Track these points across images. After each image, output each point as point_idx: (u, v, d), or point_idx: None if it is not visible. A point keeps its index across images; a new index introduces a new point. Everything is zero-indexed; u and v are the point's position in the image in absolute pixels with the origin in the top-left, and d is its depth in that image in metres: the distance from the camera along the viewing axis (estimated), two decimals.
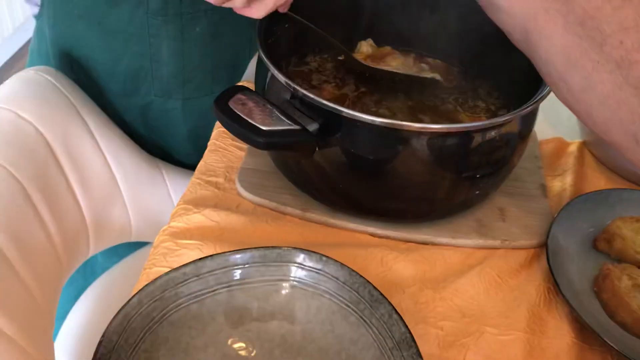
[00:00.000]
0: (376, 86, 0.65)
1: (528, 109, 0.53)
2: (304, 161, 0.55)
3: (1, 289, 0.57)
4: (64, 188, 0.70)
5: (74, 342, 0.78)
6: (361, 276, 0.48)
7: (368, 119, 0.50)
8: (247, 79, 0.77)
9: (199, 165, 0.66)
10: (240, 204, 0.62)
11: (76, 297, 0.85)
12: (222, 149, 0.68)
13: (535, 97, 0.54)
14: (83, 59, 0.76)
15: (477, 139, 0.52)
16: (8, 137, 0.64)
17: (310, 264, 0.49)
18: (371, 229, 0.59)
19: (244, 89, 0.51)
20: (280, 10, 0.57)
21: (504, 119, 0.52)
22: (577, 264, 0.57)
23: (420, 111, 0.63)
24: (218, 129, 0.70)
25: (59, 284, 0.70)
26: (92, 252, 0.77)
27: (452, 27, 0.66)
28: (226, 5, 0.53)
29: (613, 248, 0.58)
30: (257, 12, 0.54)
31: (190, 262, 0.48)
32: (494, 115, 0.64)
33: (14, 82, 0.69)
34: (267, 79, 0.57)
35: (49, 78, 0.71)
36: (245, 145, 0.67)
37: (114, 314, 0.44)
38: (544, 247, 0.57)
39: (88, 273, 0.89)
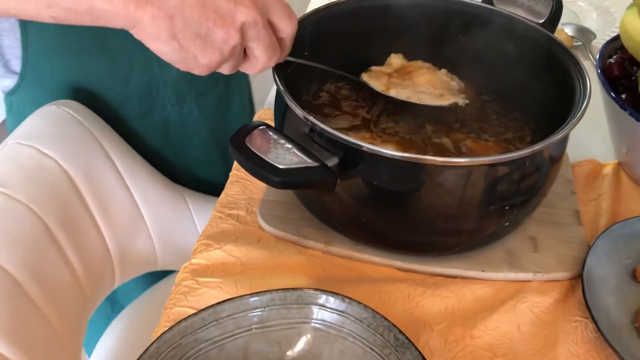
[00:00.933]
0: (395, 107, 0.64)
1: (559, 136, 0.50)
2: (326, 195, 0.54)
3: (24, 327, 0.57)
4: (87, 222, 0.70)
5: None
6: (386, 319, 0.46)
7: (388, 154, 0.48)
8: (269, 107, 0.76)
9: (220, 198, 0.65)
10: (262, 237, 0.60)
11: (104, 326, 0.85)
12: (243, 179, 0.66)
13: (567, 124, 0.51)
14: (95, 93, 0.76)
15: (504, 170, 0.50)
16: (30, 174, 0.65)
17: (333, 306, 0.47)
18: (397, 263, 0.57)
19: (261, 125, 0.50)
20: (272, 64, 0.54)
21: (532, 149, 0.49)
22: (616, 297, 0.54)
23: (439, 136, 0.61)
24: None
25: (84, 319, 0.70)
26: (117, 283, 0.77)
27: (480, 50, 0.64)
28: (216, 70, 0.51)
29: None
30: (251, 71, 0.53)
31: (208, 307, 0.46)
32: (523, 140, 0.62)
33: (35, 117, 0.70)
34: (286, 111, 0.55)
35: (70, 112, 0.71)
36: None
37: (140, 350, 0.43)
38: (580, 279, 0.54)
39: (115, 301, 0.89)
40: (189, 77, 0.79)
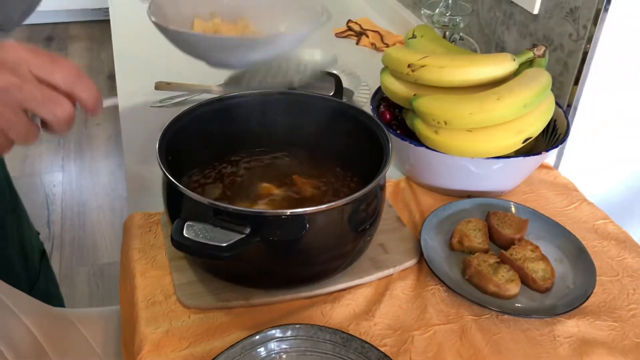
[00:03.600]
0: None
1: (385, 171, 0.73)
2: (244, 259, 0.68)
3: None
4: None
5: None
6: (328, 327, 0.63)
7: (285, 213, 0.65)
8: (135, 209, 0.86)
9: (137, 296, 0.74)
10: (190, 313, 0.72)
11: None
12: (151, 276, 0.76)
13: (386, 162, 0.74)
14: None
15: (361, 202, 0.71)
16: None
17: (288, 334, 0.63)
18: (304, 294, 0.74)
19: (187, 221, 0.63)
20: (94, 113, 0.54)
21: (373, 184, 0.71)
22: (448, 264, 0.79)
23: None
24: (134, 261, 0.79)
25: None
26: None
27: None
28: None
29: (464, 245, 0.81)
30: (59, 127, 0.51)
31: None
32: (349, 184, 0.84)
33: None
34: (183, 203, 0.69)
35: None
36: (167, 265, 0.77)
37: None
38: (423, 260, 0.78)
39: None
40: None
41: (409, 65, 0.87)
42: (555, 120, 0.94)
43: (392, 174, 0.98)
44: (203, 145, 0.81)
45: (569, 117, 0.98)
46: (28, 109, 0.48)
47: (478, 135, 0.81)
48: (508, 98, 0.79)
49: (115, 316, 0.93)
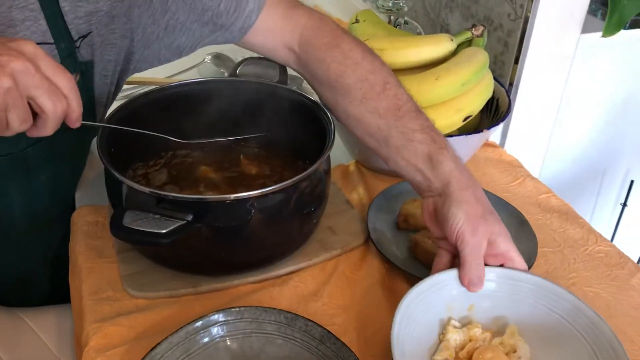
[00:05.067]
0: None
1: (327, 154, 0.74)
2: (189, 245, 0.68)
3: None
4: None
5: None
6: (273, 308, 0.63)
7: (228, 198, 0.66)
8: (85, 204, 0.85)
9: (83, 289, 0.73)
10: (138, 304, 0.72)
11: None
12: (91, 268, 0.76)
13: (328, 144, 0.75)
14: None
15: (305, 184, 0.71)
16: None
17: (232, 317, 0.63)
18: (252, 279, 0.74)
19: (127, 210, 0.63)
20: (72, 125, 0.57)
21: (318, 164, 0.72)
22: (395, 244, 0.81)
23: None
24: (81, 254, 0.78)
25: None
26: None
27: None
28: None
29: (410, 223, 0.82)
30: (44, 128, 0.54)
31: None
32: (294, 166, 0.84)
33: None
34: (124, 193, 0.68)
35: None
36: (114, 257, 0.77)
37: None
38: (371, 241, 0.79)
39: None
40: None
41: None
42: (497, 99, 0.96)
43: (344, 159, 0.99)
44: (147, 137, 0.81)
45: (511, 96, 1.00)
46: (32, 97, 0.52)
47: None
48: (446, 77, 0.81)
49: (70, 313, 0.92)
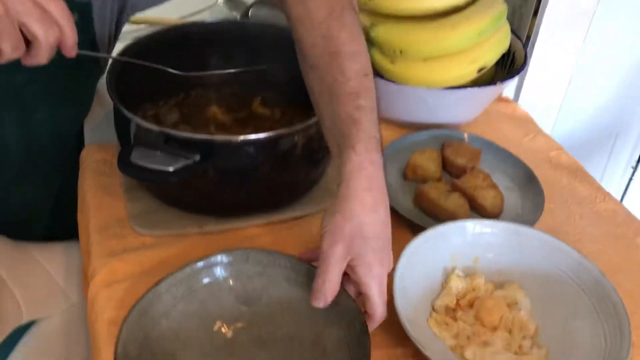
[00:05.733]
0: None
1: None
2: (196, 185, 0.68)
3: None
4: None
5: None
6: (279, 251, 0.64)
7: (236, 139, 0.65)
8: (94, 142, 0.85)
9: (91, 225, 0.74)
10: (144, 241, 0.72)
11: None
12: (106, 207, 0.76)
13: None
14: None
15: (313, 130, 0.71)
16: None
17: (234, 259, 0.63)
18: (257, 221, 0.75)
19: (134, 146, 0.63)
20: (68, 54, 0.56)
21: None
22: (402, 193, 0.81)
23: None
24: (89, 191, 0.79)
25: None
26: None
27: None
28: None
29: (418, 174, 0.82)
30: (38, 56, 0.54)
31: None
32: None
33: None
34: (133, 131, 0.68)
35: None
36: (122, 196, 0.77)
37: None
38: None
39: None
40: None
41: None
42: (514, 53, 0.94)
43: None
44: (155, 76, 0.80)
45: (528, 50, 0.98)
46: (24, 24, 0.51)
47: (433, 65, 0.81)
48: (463, 26, 0.79)
49: (78, 248, 0.93)
